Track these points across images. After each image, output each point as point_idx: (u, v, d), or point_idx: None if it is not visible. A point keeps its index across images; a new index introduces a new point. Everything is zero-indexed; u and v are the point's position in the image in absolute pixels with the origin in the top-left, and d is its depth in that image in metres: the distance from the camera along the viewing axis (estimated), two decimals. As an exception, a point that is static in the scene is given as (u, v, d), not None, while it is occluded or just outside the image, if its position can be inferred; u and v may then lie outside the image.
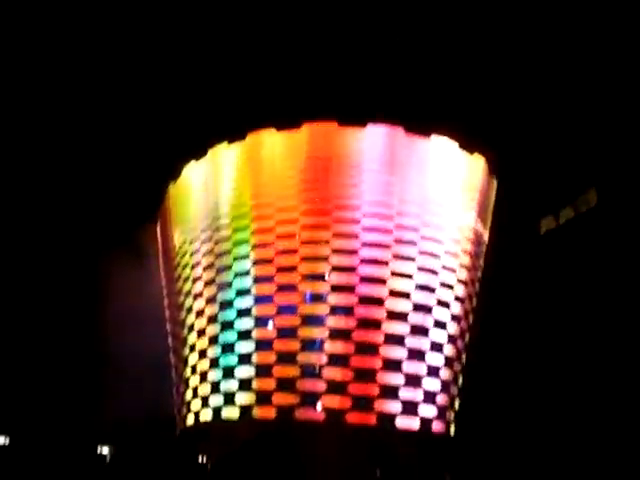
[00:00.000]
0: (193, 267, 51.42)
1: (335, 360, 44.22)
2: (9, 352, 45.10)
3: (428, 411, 45.23)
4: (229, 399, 46.06)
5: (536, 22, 43.01)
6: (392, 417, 43.79)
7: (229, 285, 48.14)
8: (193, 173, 52.77)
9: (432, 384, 45.68)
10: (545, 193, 52.01)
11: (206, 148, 51.09)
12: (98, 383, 42.32)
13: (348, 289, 45.40)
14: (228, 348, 47.22)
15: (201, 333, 49.57)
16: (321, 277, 45.78)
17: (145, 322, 46.24)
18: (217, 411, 46.64)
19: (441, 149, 49.01)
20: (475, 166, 50.70)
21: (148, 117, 48.07)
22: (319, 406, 43.42)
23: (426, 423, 45.02)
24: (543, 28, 43.06)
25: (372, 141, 47.79)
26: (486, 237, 51.71)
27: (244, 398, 45.25)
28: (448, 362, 47.04)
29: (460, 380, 48.12)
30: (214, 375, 47.65)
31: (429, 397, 45.42)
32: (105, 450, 51.04)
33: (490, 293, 49.40)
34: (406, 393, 44.46)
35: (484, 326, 48.79)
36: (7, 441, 47.22)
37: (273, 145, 48.72)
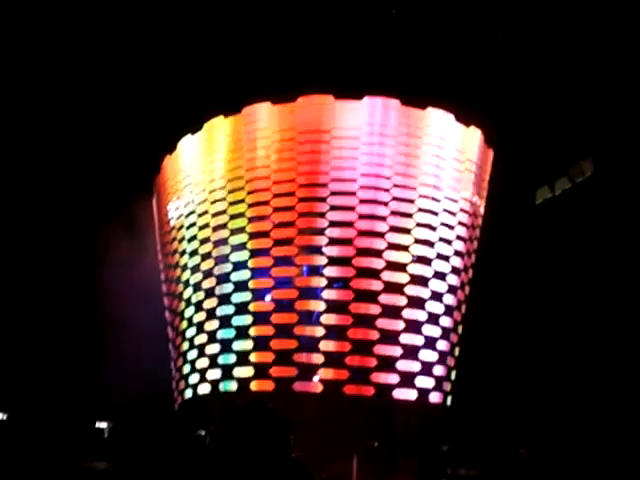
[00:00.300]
0: (190, 240, 51.23)
1: (332, 332, 44.39)
2: (4, 326, 45.09)
3: (425, 382, 45.46)
4: (227, 372, 46.24)
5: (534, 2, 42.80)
6: (389, 388, 44.03)
7: (226, 258, 48.08)
8: (188, 146, 52.48)
9: (429, 356, 45.88)
10: (541, 163, 51.99)
11: (202, 121, 50.77)
12: (94, 358, 42.33)
13: (345, 261, 45.44)
14: (225, 321, 47.34)
15: (199, 307, 49.59)
16: (318, 250, 45.77)
17: (142, 296, 46.18)
18: (215, 384, 46.84)
19: (437, 121, 48.79)
20: (472, 138, 50.51)
21: (144, 90, 47.68)
22: (316, 378, 43.65)
23: (423, 394, 45.26)
24: (543, 7, 42.80)
25: (368, 113, 47.56)
26: (482, 209, 51.64)
27: (242, 372, 45.42)
28: (445, 333, 47.19)
29: (457, 351, 48.29)
30: (212, 349, 47.80)
31: (426, 368, 45.64)
32: (103, 425, 51.39)
33: (486, 264, 49.46)
34: (403, 365, 44.67)
35: (480, 298, 48.91)
36: (4, 417, 47.48)
37: (269, 118, 48.39)
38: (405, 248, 46.12)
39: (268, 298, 46.36)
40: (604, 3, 40.47)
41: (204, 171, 50.57)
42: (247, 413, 3.59)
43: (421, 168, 47.56)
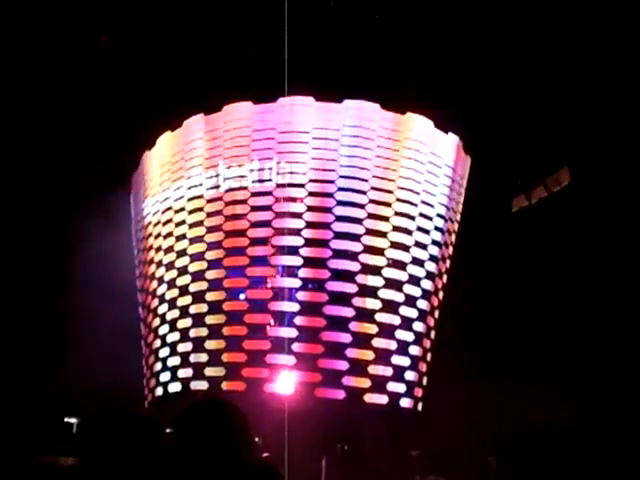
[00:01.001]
0: (165, 237, 50.92)
1: (305, 334, 44.33)
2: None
3: (397, 388, 45.56)
4: (198, 372, 46.01)
5: (508, 5, 42.95)
6: (360, 392, 44.06)
7: (201, 256, 47.86)
8: (167, 143, 52.16)
9: (401, 360, 46.00)
10: (517, 171, 52.27)
11: (182, 118, 50.48)
12: (64, 352, 41.82)
13: (320, 263, 45.42)
14: (198, 320, 47.10)
15: (172, 304, 49.29)
16: (294, 250, 45.69)
17: (115, 291, 45.78)
18: (186, 383, 46.58)
19: (416, 126, 48.92)
20: (450, 144, 50.72)
21: (126, 85, 47.26)
22: (289, 380, 43.55)
23: (394, 399, 45.36)
24: (518, 11, 43.02)
25: (348, 115, 47.60)
26: (459, 215, 51.88)
27: (213, 371, 45.22)
28: (418, 338, 47.36)
29: (429, 357, 48.46)
30: (184, 347, 47.53)
31: (398, 373, 45.75)
32: (72, 420, 50.84)
33: (461, 270, 49.61)
34: (375, 369, 44.73)
35: (453, 303, 49.04)
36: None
37: (249, 117, 48.26)
38: (381, 251, 46.19)
39: (242, 297, 46.24)
40: (581, 13, 40.76)
41: (182, 168, 50.31)
42: (204, 411, 3.49)
43: (399, 172, 47.67)
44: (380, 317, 45.34)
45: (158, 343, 49.98)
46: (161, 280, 50.73)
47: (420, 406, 47.22)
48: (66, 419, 50.12)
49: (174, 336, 48.36)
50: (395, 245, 46.72)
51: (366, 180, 46.81)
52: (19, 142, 46.78)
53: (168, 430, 3.66)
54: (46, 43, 44.57)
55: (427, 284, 48.16)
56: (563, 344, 42.60)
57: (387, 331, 45.60)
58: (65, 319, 42.98)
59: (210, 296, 46.81)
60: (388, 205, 46.95)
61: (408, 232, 47.38)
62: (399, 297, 46.50)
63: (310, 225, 45.71)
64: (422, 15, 47.13)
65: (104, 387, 39.62)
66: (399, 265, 46.83)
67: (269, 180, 46.77)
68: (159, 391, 48.88)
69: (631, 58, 39.32)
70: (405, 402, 45.94)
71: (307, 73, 46.26)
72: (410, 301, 47.02)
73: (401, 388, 45.70)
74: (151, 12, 47.06)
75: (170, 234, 50.47)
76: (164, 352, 49.15)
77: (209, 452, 3.29)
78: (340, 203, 46.18)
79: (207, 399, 3.55)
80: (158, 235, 51.79)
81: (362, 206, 46.37)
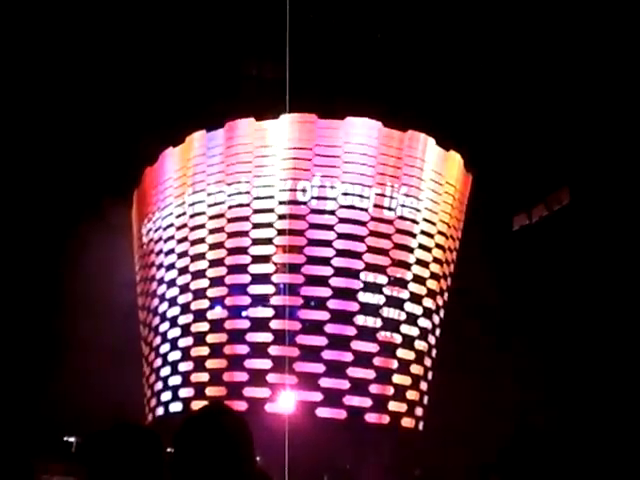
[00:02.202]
0: (167, 254, 50.71)
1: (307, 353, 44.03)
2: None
3: (398, 407, 45.22)
4: (199, 391, 45.62)
5: (509, 20, 43.13)
6: (361, 412, 43.72)
7: (202, 274, 47.64)
8: (169, 159, 52.11)
9: (402, 379, 45.68)
10: (519, 190, 52.22)
11: (184, 134, 50.52)
12: (64, 370, 41.55)
13: (321, 281, 45.21)
14: (199, 339, 46.80)
15: (173, 322, 48.95)
16: (298, 268, 45.47)
17: (115, 308, 45.59)
18: (187, 403, 46.11)
19: (418, 143, 48.98)
20: (451, 162, 50.73)
21: (128, 101, 47.33)
22: (291, 399, 43.18)
23: (395, 418, 45.02)
24: (518, 26, 43.18)
25: (350, 133, 47.64)
26: (459, 232, 51.75)
27: (214, 390, 44.83)
28: (419, 357, 47.07)
29: (430, 375, 48.11)
30: (185, 366, 47.17)
31: (399, 392, 45.43)
32: (71, 439, 50.43)
33: (462, 288, 49.40)
34: (376, 388, 44.40)
35: (455, 322, 48.78)
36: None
37: (251, 134, 48.24)
38: (382, 269, 46.04)
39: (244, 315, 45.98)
40: (582, 24, 40.90)
41: (184, 184, 50.23)
42: (206, 420, 3.37)
43: (401, 189, 47.62)
44: (382, 335, 45.08)
45: (159, 362, 49.68)
46: (162, 298, 50.51)
47: (421, 425, 46.85)
48: (65, 438, 49.71)
49: (175, 355, 48.08)
50: (396, 263, 46.57)
51: (367, 197, 46.77)
52: (23, 162, 46.86)
53: (169, 449, 3.56)
54: (53, 59, 44.74)
55: (428, 302, 47.96)
56: (563, 357, 42.45)
57: (388, 350, 45.35)
58: (64, 339, 42.80)
59: (211, 314, 46.61)
60: (390, 223, 46.85)
61: (409, 250, 47.25)
62: (400, 315, 46.28)
63: (311, 243, 45.59)
64: (424, 34, 47.37)
65: (104, 407, 39.29)
66: (400, 283, 46.67)
67: (271, 197, 46.74)
68: (160, 411, 48.54)
69: (631, 78, 39.48)
70: (406, 422, 45.58)
71: (310, 91, 46.51)
72: (411, 319, 46.83)
73: (402, 407, 45.37)
74: (155, 29, 47.33)
75: (172, 251, 50.29)
76: (165, 371, 48.84)
77: (211, 463, 3.20)
78: (342, 220, 46.09)
79: (209, 408, 3.44)
80: (159, 252, 51.63)
81: (363, 223, 46.28)
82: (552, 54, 43.02)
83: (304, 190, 46.64)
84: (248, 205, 47.12)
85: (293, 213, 46.22)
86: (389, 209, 47.19)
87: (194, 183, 49.68)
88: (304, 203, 46.43)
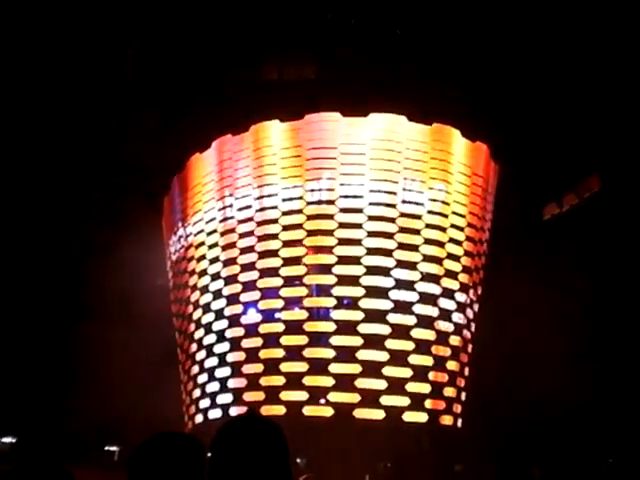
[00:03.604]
0: (199, 260, 50.89)
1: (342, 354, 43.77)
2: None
3: (435, 404, 44.86)
4: (237, 397, 45.63)
5: (539, 8, 42.71)
6: (399, 411, 43.39)
7: (235, 278, 47.69)
8: (197, 165, 52.33)
9: (438, 377, 45.28)
10: (548, 179, 51.72)
11: (210, 140, 50.68)
12: (103, 380, 41.96)
13: (353, 280, 44.96)
14: (234, 344, 46.82)
15: (208, 329, 49.06)
16: (327, 269, 45.33)
17: (151, 317, 45.90)
18: (225, 409, 46.17)
19: (444, 136, 48.59)
20: (478, 153, 50.30)
21: (152, 109, 47.75)
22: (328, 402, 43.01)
23: (434, 417, 44.65)
24: (546, 14, 42.74)
25: (375, 129, 47.39)
26: (489, 224, 51.28)
27: (252, 395, 44.77)
28: (454, 353, 46.68)
29: (467, 371, 47.69)
30: (222, 372, 47.23)
31: (436, 390, 45.04)
32: (113, 448, 50.94)
33: (495, 280, 48.95)
34: (413, 386, 44.02)
35: (488, 314, 48.33)
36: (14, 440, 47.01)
37: (276, 135, 48.21)
38: (413, 265, 45.70)
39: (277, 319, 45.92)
40: (606, 15, 40.40)
41: (212, 189, 50.39)
42: (243, 430, 3.31)
43: (428, 184, 47.30)
44: (416, 333, 44.70)
45: (196, 369, 49.81)
46: (196, 304, 50.64)
47: (460, 422, 46.41)
48: (107, 447, 50.20)
49: (212, 361, 48.14)
50: (427, 258, 46.17)
51: (395, 193, 46.47)
52: (50, 172, 47.40)
53: (208, 454, 3.55)
54: (77, 69, 45.23)
55: (461, 296, 47.52)
56: (599, 347, 41.87)
57: (423, 346, 44.95)
58: (103, 349, 43.19)
59: (245, 319, 46.60)
60: (419, 218, 46.51)
61: (440, 244, 46.87)
62: (434, 311, 45.90)
63: (342, 242, 45.39)
64: (448, 28, 47.13)
65: (145, 416, 39.59)
66: (432, 279, 46.26)
67: (299, 198, 46.67)
68: (199, 418, 48.66)
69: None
70: (445, 419, 45.16)
71: (332, 88, 46.49)
72: (445, 315, 46.42)
73: (440, 405, 44.97)
74: (174, 33, 47.68)
75: (203, 257, 50.44)
76: (202, 378, 48.96)
77: (245, 470, 3.19)
78: (371, 218, 45.85)
79: (243, 416, 3.41)
80: (191, 258, 51.84)
81: (393, 220, 45.98)
82: (581, 42, 42.56)
83: (331, 189, 46.46)
84: (276, 207, 47.08)
85: (322, 213, 46.15)
86: (417, 204, 46.86)
87: (222, 188, 49.81)
88: (332, 202, 46.25)
